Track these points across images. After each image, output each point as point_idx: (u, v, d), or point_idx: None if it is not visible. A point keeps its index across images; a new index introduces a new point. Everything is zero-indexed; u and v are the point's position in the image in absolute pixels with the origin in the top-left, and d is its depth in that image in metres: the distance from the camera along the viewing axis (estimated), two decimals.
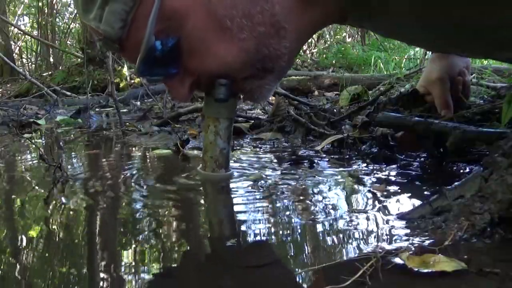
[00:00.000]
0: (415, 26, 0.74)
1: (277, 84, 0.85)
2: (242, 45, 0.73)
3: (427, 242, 0.58)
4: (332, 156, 1.17)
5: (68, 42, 8.76)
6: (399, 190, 0.83)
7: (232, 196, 0.86)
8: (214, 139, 0.87)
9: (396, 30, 0.83)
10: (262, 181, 0.93)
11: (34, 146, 1.51)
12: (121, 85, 4.07)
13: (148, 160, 1.30)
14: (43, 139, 1.85)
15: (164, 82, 0.81)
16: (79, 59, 5.58)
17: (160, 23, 0.71)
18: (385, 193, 0.81)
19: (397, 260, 0.52)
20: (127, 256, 0.60)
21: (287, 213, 0.76)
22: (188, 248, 0.63)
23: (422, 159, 1.06)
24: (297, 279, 0.52)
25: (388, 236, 0.62)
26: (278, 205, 0.79)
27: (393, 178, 0.92)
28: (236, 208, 0.80)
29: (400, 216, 0.68)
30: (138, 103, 3.24)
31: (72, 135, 1.94)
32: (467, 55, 1.15)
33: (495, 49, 0.79)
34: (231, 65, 0.75)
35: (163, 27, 0.71)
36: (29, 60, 9.52)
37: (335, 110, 1.67)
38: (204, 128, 0.90)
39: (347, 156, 1.15)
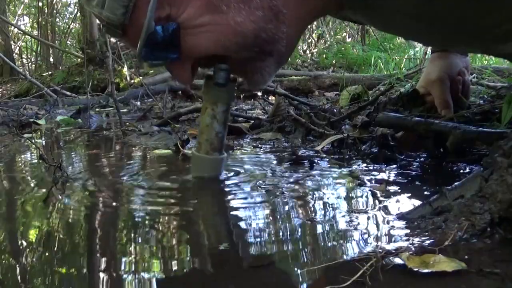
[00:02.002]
0: (412, 16, 0.75)
1: (277, 70, 0.86)
2: (239, 28, 0.74)
3: (427, 242, 0.58)
4: (332, 156, 1.17)
5: (68, 42, 8.76)
6: (399, 190, 0.83)
7: (232, 196, 0.86)
8: (210, 122, 0.88)
9: (392, 21, 0.83)
10: (262, 181, 0.93)
11: (34, 146, 1.51)
12: (121, 85, 4.07)
13: (148, 160, 1.30)
14: (43, 139, 1.85)
15: (166, 66, 0.83)
16: (79, 59, 5.59)
17: (161, 9, 0.73)
18: (385, 193, 0.81)
19: (397, 260, 0.52)
20: (127, 257, 0.60)
21: (287, 213, 0.76)
22: (188, 248, 0.63)
23: (422, 159, 1.06)
24: (297, 279, 0.52)
25: (388, 236, 0.62)
26: (278, 205, 0.79)
27: (393, 178, 0.92)
28: (235, 208, 0.80)
29: (400, 216, 0.68)
30: (138, 103, 3.23)
31: (72, 135, 1.94)
32: (466, 50, 1.15)
33: (494, 42, 0.79)
34: (227, 47, 0.76)
35: (163, 12, 0.73)
36: (29, 60, 9.52)
37: (335, 110, 1.66)
38: (201, 111, 0.91)
39: (347, 156, 1.15)
